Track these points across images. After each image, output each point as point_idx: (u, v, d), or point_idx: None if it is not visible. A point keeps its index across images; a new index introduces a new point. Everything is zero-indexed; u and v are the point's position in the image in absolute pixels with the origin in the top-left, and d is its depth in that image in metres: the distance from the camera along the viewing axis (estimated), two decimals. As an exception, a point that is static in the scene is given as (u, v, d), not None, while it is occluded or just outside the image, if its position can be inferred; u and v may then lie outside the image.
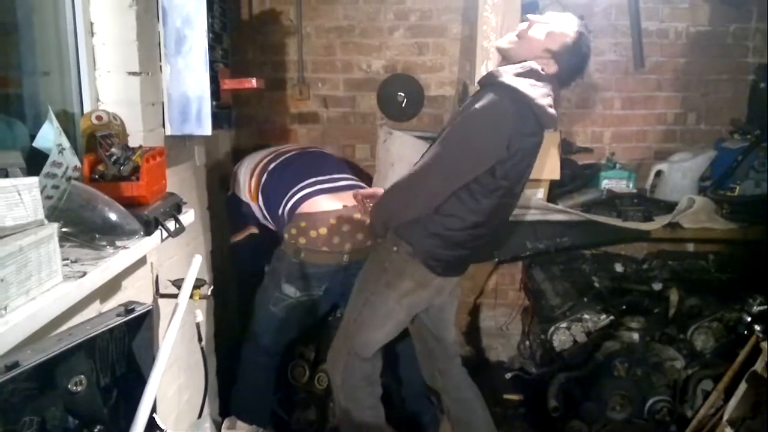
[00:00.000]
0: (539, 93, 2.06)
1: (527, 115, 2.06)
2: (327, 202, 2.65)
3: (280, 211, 2.70)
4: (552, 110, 2.09)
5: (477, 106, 2.04)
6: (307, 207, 2.64)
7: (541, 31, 2.12)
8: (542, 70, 2.09)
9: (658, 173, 3.33)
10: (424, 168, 2.11)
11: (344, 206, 2.65)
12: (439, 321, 2.50)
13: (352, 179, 2.85)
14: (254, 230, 2.93)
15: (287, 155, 2.90)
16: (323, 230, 2.61)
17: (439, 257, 2.20)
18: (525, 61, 2.10)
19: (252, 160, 2.93)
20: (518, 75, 2.06)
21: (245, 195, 2.86)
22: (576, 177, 3.38)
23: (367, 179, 3.34)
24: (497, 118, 2.03)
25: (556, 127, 2.13)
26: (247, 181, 2.86)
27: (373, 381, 2.45)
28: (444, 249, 2.19)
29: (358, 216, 2.63)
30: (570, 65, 2.14)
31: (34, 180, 1.28)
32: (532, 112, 2.06)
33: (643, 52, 3.52)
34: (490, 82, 2.09)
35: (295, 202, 2.65)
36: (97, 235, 1.51)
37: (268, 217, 2.80)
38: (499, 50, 2.23)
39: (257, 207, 2.84)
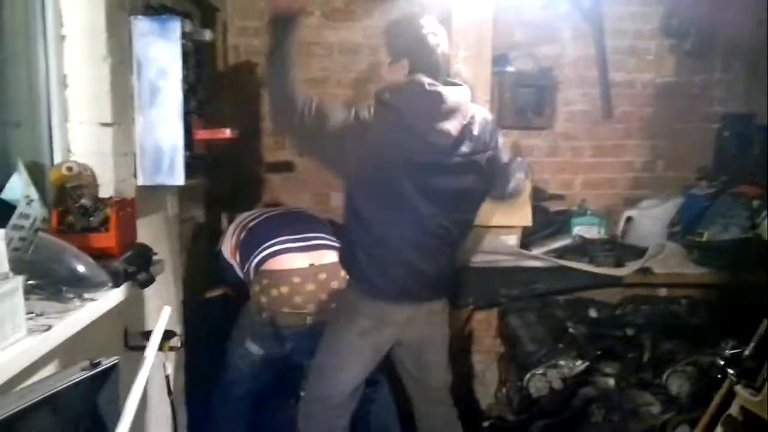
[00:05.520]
0: (421, 109, 2.09)
1: (408, 133, 2.08)
2: (292, 259, 2.64)
3: (246, 267, 2.69)
4: (440, 126, 2.09)
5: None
6: (271, 264, 2.63)
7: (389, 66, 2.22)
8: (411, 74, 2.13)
9: (629, 219, 3.39)
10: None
11: (310, 265, 2.64)
12: (418, 361, 2.44)
13: (327, 239, 2.81)
14: (228, 291, 2.92)
15: (268, 215, 2.92)
16: (285, 289, 2.59)
17: (372, 282, 2.22)
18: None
19: (239, 218, 2.98)
20: (402, 91, 2.13)
21: (227, 252, 2.86)
22: (548, 223, 3.43)
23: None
24: (369, 127, 2.08)
25: (447, 142, 2.11)
26: (230, 238, 2.87)
27: None
28: (377, 275, 2.20)
29: (323, 276, 2.62)
30: (410, 48, 2.17)
31: (-1, 232, 1.27)
32: (416, 131, 2.08)
33: (611, 102, 3.62)
34: (377, 98, 2.17)
35: (261, 259, 2.65)
36: (63, 288, 1.50)
37: (242, 274, 2.80)
38: None
39: (236, 264, 2.83)
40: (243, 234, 2.81)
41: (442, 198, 2.19)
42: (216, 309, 2.97)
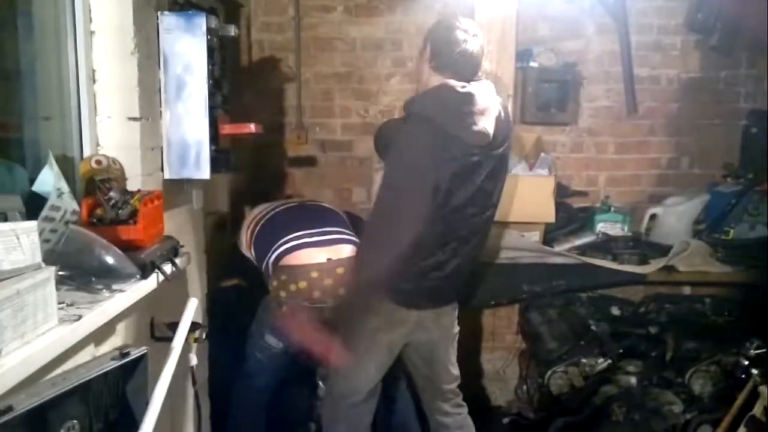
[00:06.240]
0: (455, 113, 2.06)
1: (447, 140, 2.06)
2: (311, 254, 2.61)
3: (264, 263, 2.68)
4: (477, 126, 2.07)
5: (399, 140, 2.12)
6: (289, 259, 2.61)
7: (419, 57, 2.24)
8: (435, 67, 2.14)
9: (653, 216, 3.35)
10: (383, 216, 2.11)
11: (328, 259, 2.61)
12: (430, 361, 2.45)
13: (344, 233, 2.77)
14: (241, 282, 2.93)
15: (283, 207, 2.91)
16: (303, 284, 2.56)
17: (401, 289, 2.21)
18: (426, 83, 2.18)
19: (255, 210, 2.96)
20: (432, 98, 2.11)
21: (244, 247, 2.87)
22: (571, 220, 3.40)
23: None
24: (417, 151, 2.06)
25: (485, 142, 2.10)
26: (244, 232, 2.88)
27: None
28: (406, 281, 2.19)
29: (341, 271, 2.60)
30: (438, 44, 2.16)
31: (32, 224, 1.29)
32: (454, 135, 2.06)
33: (635, 98, 3.59)
34: (407, 111, 2.15)
35: (279, 254, 2.62)
36: (93, 279, 1.52)
37: (260, 267, 2.80)
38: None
39: (252, 258, 2.84)
40: (258, 227, 2.79)
41: (484, 196, 2.21)
42: (231, 298, 2.99)
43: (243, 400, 2.85)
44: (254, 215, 2.89)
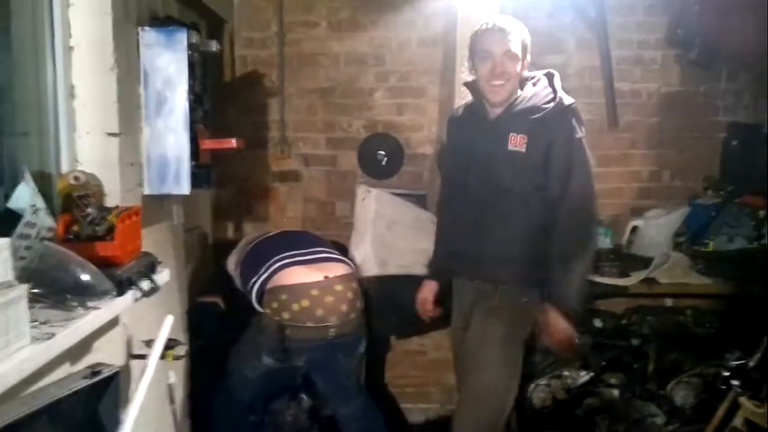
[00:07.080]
0: None
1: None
2: (307, 273, 2.62)
3: (253, 280, 2.67)
4: None
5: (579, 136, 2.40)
6: (284, 278, 2.61)
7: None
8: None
9: (634, 229, 3.37)
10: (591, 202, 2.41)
11: (325, 277, 2.63)
12: None
13: (333, 253, 2.81)
14: (219, 300, 2.95)
15: (268, 235, 2.96)
16: (305, 302, 2.56)
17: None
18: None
19: (246, 238, 3.07)
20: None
21: (230, 268, 2.90)
22: (553, 233, 3.41)
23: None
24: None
25: None
26: (234, 255, 2.93)
27: None
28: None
29: (340, 288, 2.62)
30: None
31: (4, 241, 1.29)
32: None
33: (616, 112, 3.62)
34: (563, 106, 2.43)
35: (272, 272, 2.63)
36: (68, 296, 1.51)
37: (243, 288, 2.80)
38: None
39: (238, 280, 2.86)
40: (247, 251, 2.86)
41: None
42: (211, 315, 2.97)
43: (226, 415, 2.83)
44: (245, 241, 2.94)
